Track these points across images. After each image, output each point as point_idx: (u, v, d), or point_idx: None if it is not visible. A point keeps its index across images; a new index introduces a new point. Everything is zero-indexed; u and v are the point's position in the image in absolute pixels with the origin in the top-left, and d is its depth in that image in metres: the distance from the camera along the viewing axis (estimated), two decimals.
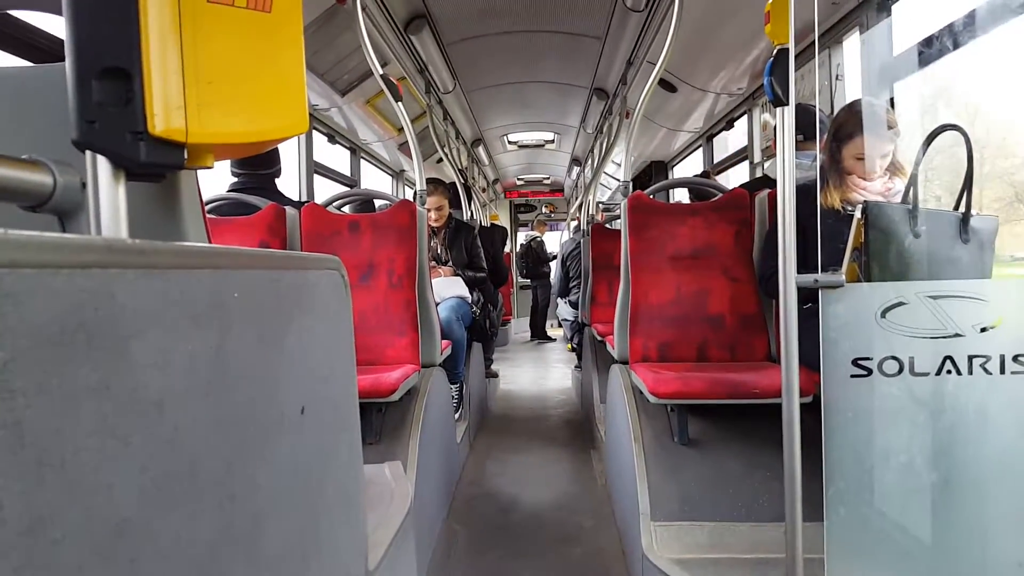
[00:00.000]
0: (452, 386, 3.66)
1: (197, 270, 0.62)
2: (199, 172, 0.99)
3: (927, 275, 1.71)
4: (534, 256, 9.94)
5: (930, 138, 1.72)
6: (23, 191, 0.71)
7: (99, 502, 0.47)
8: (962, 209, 1.73)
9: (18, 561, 0.40)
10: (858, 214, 1.65)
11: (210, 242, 1.02)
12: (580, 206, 6.89)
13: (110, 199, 0.77)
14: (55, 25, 1.99)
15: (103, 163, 0.76)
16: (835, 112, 2.77)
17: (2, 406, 0.39)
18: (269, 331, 0.77)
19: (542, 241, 10.14)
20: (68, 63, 0.72)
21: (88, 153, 0.76)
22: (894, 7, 2.64)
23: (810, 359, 1.54)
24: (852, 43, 3.00)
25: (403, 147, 5.91)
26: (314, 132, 4.50)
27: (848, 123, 2.22)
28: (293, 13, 0.86)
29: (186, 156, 0.80)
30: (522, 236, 11.11)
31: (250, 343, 0.71)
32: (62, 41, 0.73)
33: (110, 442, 0.48)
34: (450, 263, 4.15)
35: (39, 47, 1.98)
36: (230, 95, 0.80)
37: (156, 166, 0.78)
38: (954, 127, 1.69)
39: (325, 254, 1.05)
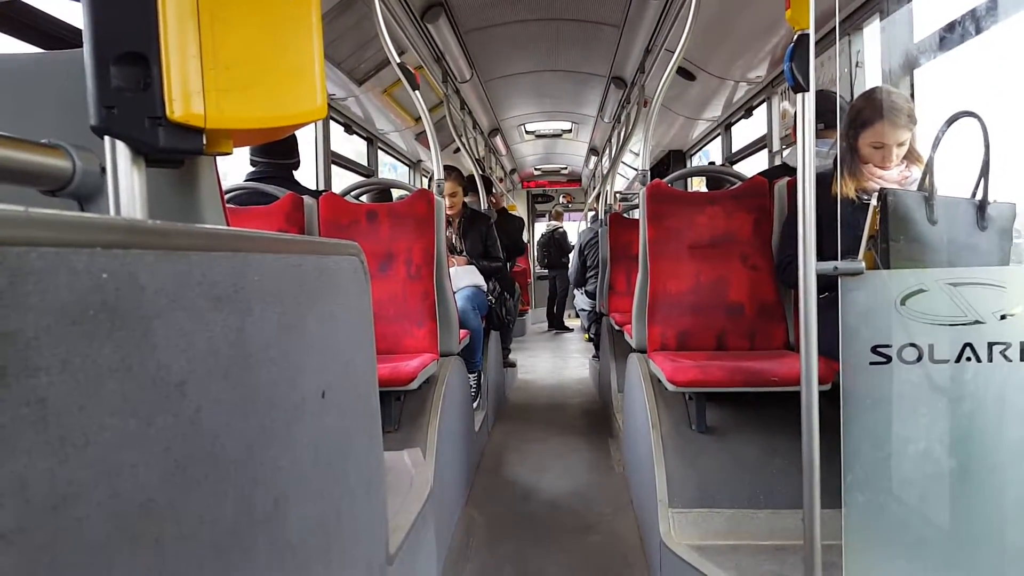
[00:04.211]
0: (470, 375, 3.67)
1: (218, 253, 0.62)
2: (218, 159, 1.00)
3: (944, 262, 1.69)
4: (557, 246, 9.89)
5: (946, 125, 1.70)
6: (43, 175, 0.72)
7: (123, 481, 0.48)
8: (979, 196, 1.71)
9: (45, 537, 0.41)
10: (874, 202, 1.63)
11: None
12: (598, 196, 6.87)
13: (129, 184, 0.77)
14: (69, 12, 2.00)
15: (122, 148, 0.76)
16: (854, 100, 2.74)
17: (26, 384, 0.39)
18: (290, 315, 0.77)
19: (565, 231, 10.09)
20: (86, 49, 0.73)
21: (107, 138, 0.76)
22: None
23: (828, 347, 1.52)
24: (873, 30, 2.96)
25: (420, 137, 5.91)
26: (331, 122, 4.51)
27: (865, 111, 2.19)
28: None
29: (204, 142, 0.80)
30: (543, 226, 11.05)
31: (271, 326, 0.72)
32: (77, 28, 0.74)
33: (132, 422, 0.49)
34: (464, 253, 4.15)
35: (54, 35, 2.00)
36: (248, 81, 0.81)
37: (175, 151, 0.78)
38: (971, 114, 1.67)
39: (344, 240, 1.05)
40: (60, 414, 0.42)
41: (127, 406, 0.48)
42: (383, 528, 1.20)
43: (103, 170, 0.77)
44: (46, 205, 0.75)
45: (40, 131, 0.77)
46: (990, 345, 1.43)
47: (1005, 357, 1.42)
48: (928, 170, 1.71)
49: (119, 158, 0.76)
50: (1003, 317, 1.42)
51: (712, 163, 5.07)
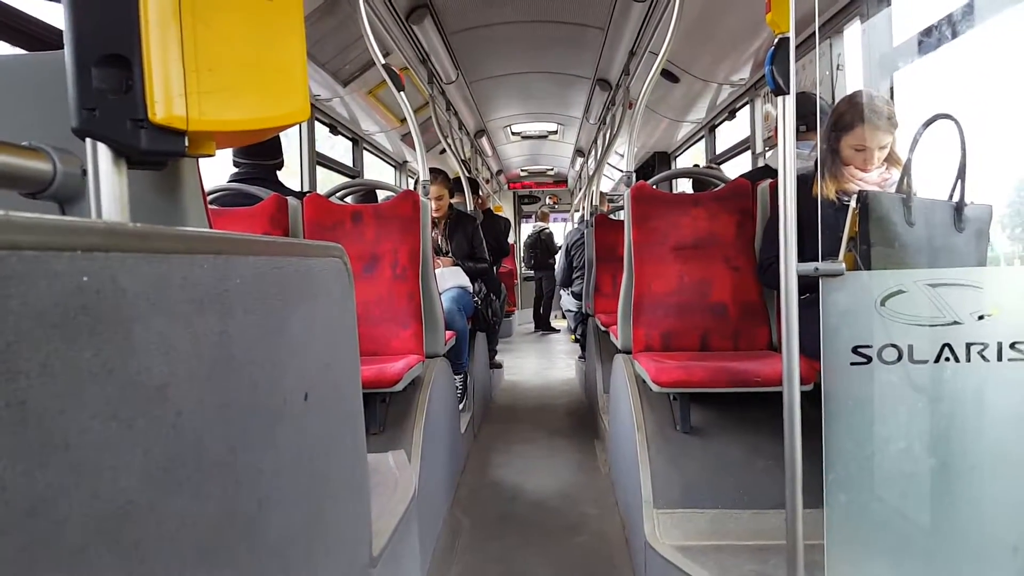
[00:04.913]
0: (456, 376, 3.67)
1: (199, 255, 0.62)
2: (200, 161, 0.99)
3: (923, 263, 1.72)
4: (543, 247, 9.89)
5: (923, 127, 1.72)
6: (23, 177, 0.71)
7: (103, 484, 0.48)
8: (956, 197, 1.74)
9: (22, 541, 0.41)
10: (853, 203, 1.65)
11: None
12: (584, 197, 6.89)
13: (111, 186, 0.77)
14: (50, 13, 1.98)
15: (104, 150, 0.76)
16: (836, 102, 2.76)
17: (6, 387, 0.39)
18: (272, 317, 0.77)
19: (551, 232, 10.09)
20: (67, 50, 0.72)
21: (88, 140, 0.76)
22: None
23: (810, 347, 1.54)
24: (853, 32, 2.99)
25: (406, 138, 5.90)
26: (316, 123, 4.49)
27: (848, 114, 2.21)
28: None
29: (187, 144, 0.80)
30: (529, 227, 11.04)
31: (253, 329, 0.72)
32: (59, 30, 0.73)
33: (113, 425, 0.49)
34: (450, 254, 4.15)
35: (35, 36, 1.98)
36: (231, 82, 0.80)
37: (157, 154, 0.78)
38: (947, 116, 1.69)
39: (328, 242, 1.05)
40: (40, 417, 0.42)
41: (108, 409, 0.48)
42: (366, 530, 1.20)
43: (84, 172, 0.77)
44: (26, 207, 0.75)
45: (21, 132, 0.77)
46: (968, 345, 1.45)
47: (983, 357, 1.44)
48: (906, 172, 1.73)
49: (101, 160, 0.76)
50: (980, 318, 1.44)
51: (697, 165, 5.10)
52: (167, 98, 0.76)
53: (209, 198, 2.89)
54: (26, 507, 0.41)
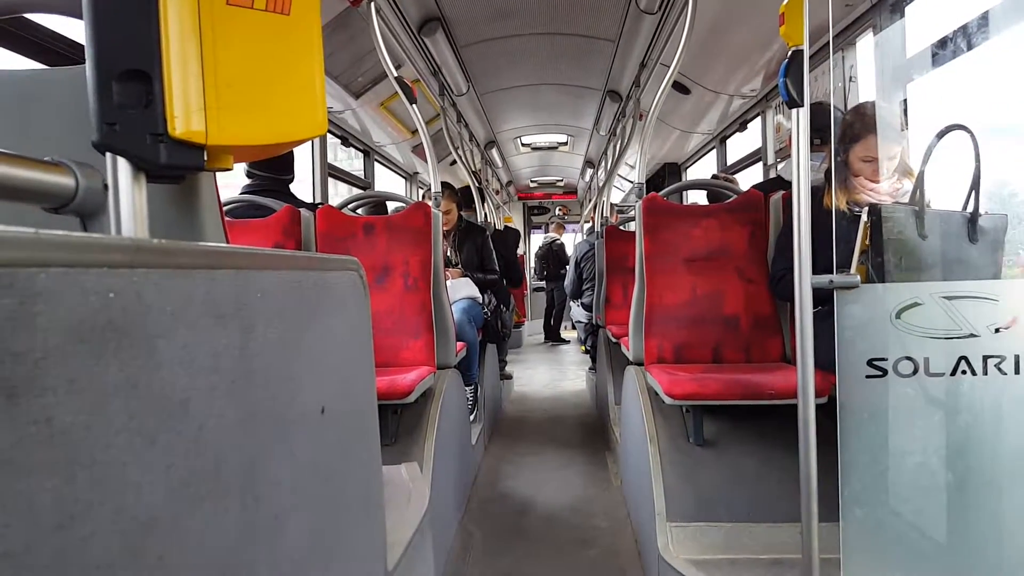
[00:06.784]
0: (467, 388, 3.66)
1: (221, 270, 0.62)
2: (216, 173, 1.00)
3: (936, 275, 1.71)
4: (555, 258, 9.87)
5: (937, 138, 1.72)
6: (46, 192, 0.72)
7: (127, 499, 0.48)
8: (970, 209, 1.72)
9: (50, 557, 0.41)
10: (865, 216, 1.64)
11: (228, 243, 1.03)
12: (594, 208, 6.89)
13: (130, 200, 0.77)
14: (71, 29, 2.00)
15: (123, 165, 0.77)
16: None
17: (34, 403, 0.40)
18: (290, 331, 0.78)
19: (563, 243, 10.07)
20: (88, 65, 0.73)
21: (109, 155, 0.76)
22: (907, 8, 2.62)
23: (825, 360, 1.53)
24: (866, 44, 2.99)
25: (417, 149, 5.92)
26: (328, 135, 4.51)
27: (856, 125, 2.20)
28: (312, 15, 0.86)
29: (205, 158, 0.80)
30: (540, 238, 11.02)
31: (272, 343, 0.72)
32: (79, 45, 0.74)
33: (137, 440, 0.49)
34: (459, 265, 4.15)
35: (57, 51, 2.00)
36: (249, 97, 0.81)
37: (176, 168, 0.78)
38: (961, 127, 1.68)
39: (343, 255, 1.05)
40: (67, 433, 0.42)
41: (132, 424, 0.48)
42: (381, 543, 1.20)
43: (106, 187, 0.77)
44: (48, 222, 0.76)
45: (42, 147, 0.77)
46: (985, 358, 1.44)
47: (1000, 370, 1.43)
48: (919, 183, 1.72)
49: (120, 175, 0.77)
50: (997, 330, 1.43)
51: (716, 176, 5.10)
52: (186, 113, 0.76)
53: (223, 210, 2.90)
54: (54, 523, 0.41)
